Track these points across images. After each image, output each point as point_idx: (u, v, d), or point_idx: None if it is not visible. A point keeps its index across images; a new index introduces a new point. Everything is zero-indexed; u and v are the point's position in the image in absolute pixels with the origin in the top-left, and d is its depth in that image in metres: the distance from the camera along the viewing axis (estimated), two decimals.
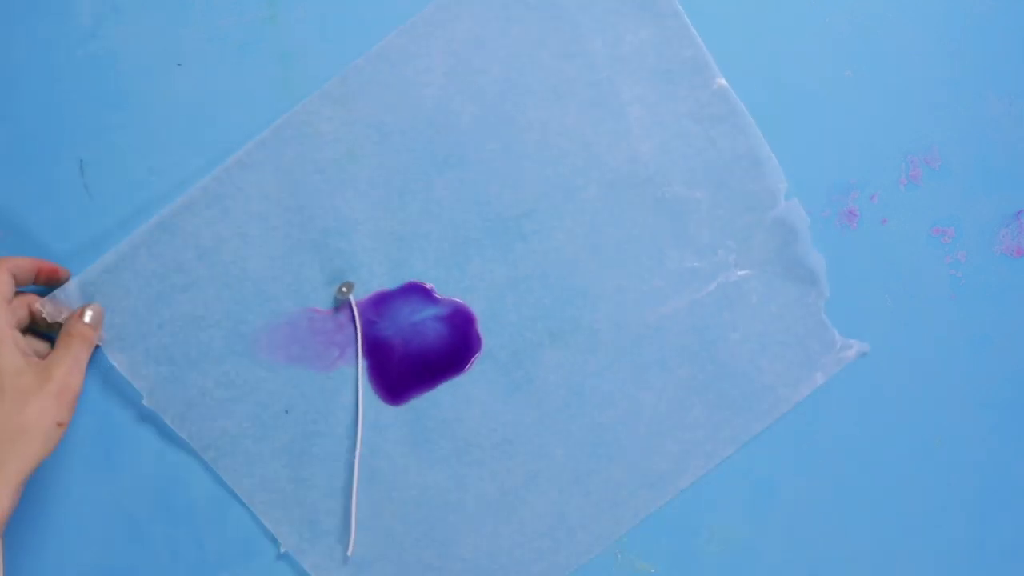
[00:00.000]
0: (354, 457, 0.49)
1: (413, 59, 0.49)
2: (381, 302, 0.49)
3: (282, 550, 0.49)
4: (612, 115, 0.49)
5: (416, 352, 0.50)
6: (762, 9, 0.50)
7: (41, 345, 0.47)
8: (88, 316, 0.46)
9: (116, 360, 0.48)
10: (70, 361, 0.45)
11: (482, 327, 0.50)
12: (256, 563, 0.50)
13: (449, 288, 0.50)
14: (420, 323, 0.49)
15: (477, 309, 0.50)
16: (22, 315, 0.46)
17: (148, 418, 0.49)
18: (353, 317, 0.49)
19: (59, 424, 0.43)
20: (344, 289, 0.49)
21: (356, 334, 0.49)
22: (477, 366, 0.50)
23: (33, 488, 0.49)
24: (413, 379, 0.49)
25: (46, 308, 0.46)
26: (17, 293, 0.46)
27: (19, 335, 0.44)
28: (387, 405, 0.49)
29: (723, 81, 0.49)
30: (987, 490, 0.51)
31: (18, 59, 0.49)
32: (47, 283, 0.47)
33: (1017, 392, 0.51)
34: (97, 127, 0.50)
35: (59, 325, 0.46)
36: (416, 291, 0.50)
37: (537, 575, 0.50)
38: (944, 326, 0.51)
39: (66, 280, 0.47)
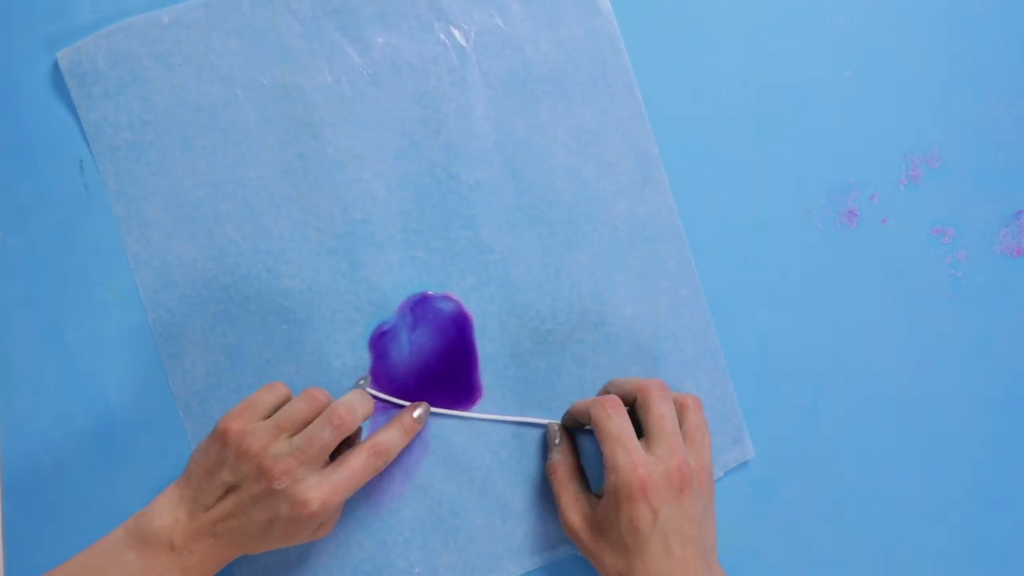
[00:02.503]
0: None
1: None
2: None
3: None
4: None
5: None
6: (761, 9, 0.50)
7: None
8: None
9: None
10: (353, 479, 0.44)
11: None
12: (256, 563, 0.49)
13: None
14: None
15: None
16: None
17: (147, 416, 0.49)
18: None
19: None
20: (362, 381, 0.49)
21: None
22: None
23: (33, 488, 0.49)
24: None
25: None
26: None
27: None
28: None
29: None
30: (987, 490, 0.51)
31: (18, 59, 0.50)
32: None
33: (1017, 392, 0.51)
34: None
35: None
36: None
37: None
38: (944, 326, 0.50)
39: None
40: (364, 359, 0.50)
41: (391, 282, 0.50)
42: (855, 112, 0.50)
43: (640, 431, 0.44)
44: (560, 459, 0.47)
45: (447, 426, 0.50)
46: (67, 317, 0.50)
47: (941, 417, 0.51)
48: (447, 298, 0.50)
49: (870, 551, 0.50)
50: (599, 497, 0.45)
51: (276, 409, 0.45)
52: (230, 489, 0.43)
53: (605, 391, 0.47)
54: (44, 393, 0.50)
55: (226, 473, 0.43)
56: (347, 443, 0.47)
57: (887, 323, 0.50)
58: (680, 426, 0.44)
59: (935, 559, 0.50)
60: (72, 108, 0.50)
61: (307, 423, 0.44)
